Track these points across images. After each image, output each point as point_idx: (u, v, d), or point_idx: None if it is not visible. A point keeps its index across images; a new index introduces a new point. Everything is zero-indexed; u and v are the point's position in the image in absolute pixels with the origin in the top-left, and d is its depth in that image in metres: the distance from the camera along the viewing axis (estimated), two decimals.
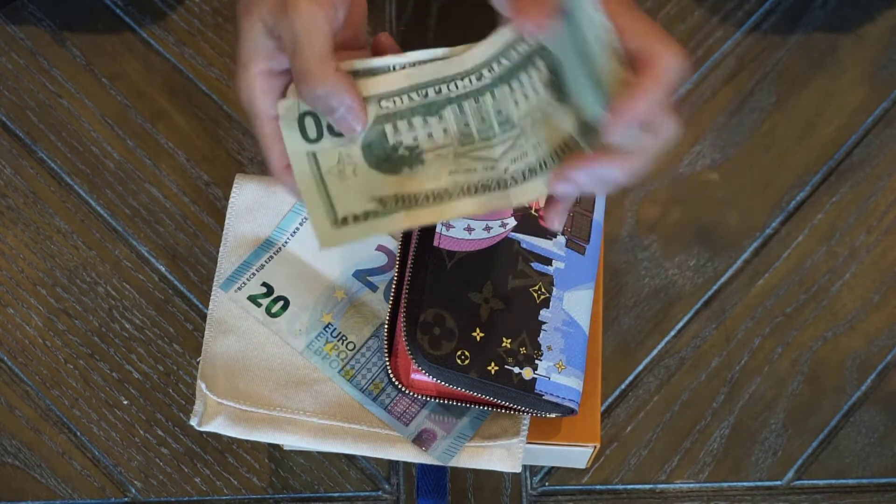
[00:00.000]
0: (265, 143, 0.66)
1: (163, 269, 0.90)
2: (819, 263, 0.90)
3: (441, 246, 0.74)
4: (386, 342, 0.74)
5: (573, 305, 0.74)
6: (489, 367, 0.71)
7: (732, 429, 0.86)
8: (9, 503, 0.84)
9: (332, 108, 0.63)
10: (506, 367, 0.71)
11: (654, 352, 0.88)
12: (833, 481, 0.85)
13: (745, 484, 0.85)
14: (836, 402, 0.87)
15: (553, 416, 0.72)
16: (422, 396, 0.74)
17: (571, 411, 0.72)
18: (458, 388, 0.72)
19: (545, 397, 0.71)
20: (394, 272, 0.76)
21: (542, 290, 0.73)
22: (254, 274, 0.78)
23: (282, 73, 0.65)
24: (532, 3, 0.62)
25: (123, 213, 0.91)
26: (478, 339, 0.72)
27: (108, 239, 0.91)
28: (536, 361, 0.72)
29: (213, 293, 0.78)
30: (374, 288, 0.78)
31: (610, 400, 0.87)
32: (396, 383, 0.74)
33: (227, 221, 0.80)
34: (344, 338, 0.77)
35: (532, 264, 0.74)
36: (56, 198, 0.92)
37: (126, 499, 0.85)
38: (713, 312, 0.89)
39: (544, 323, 0.72)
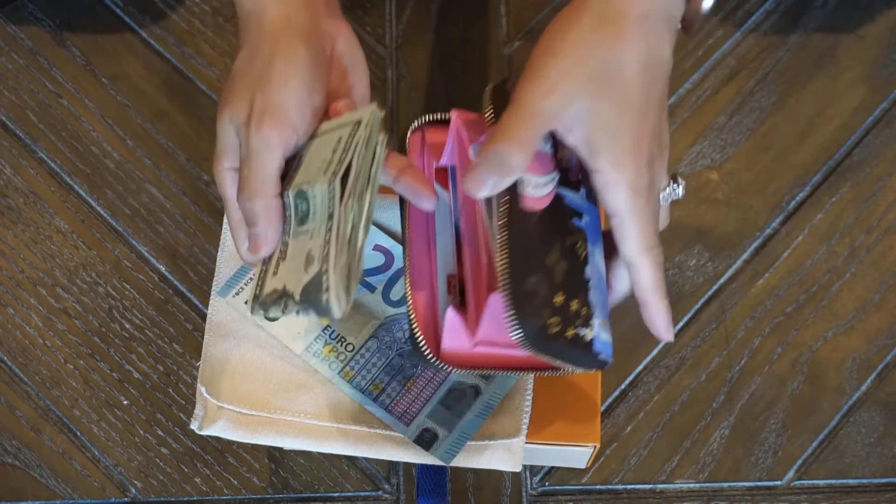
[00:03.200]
0: (232, 226, 0.70)
1: (163, 269, 0.90)
2: (819, 263, 0.90)
3: (525, 206, 0.69)
4: (415, 313, 0.72)
5: (598, 260, 0.72)
6: (567, 333, 0.68)
7: (732, 429, 0.86)
8: (8, 503, 0.85)
9: (253, 222, 0.68)
10: (577, 330, 0.69)
11: (655, 352, 0.88)
12: (833, 481, 0.85)
13: (745, 484, 0.85)
14: (836, 402, 0.87)
15: (580, 370, 0.70)
16: (451, 368, 0.71)
17: (607, 363, 0.71)
18: (535, 355, 0.68)
19: (600, 357, 0.69)
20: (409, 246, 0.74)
21: (582, 246, 0.71)
22: (251, 279, 0.78)
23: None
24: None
25: (123, 213, 0.91)
26: (558, 303, 0.69)
27: (108, 239, 0.91)
28: (592, 321, 0.69)
29: (211, 299, 0.78)
30: (371, 289, 0.78)
31: (610, 400, 0.87)
32: (430, 356, 0.70)
33: (224, 227, 0.80)
34: (343, 339, 0.77)
35: (573, 220, 0.71)
36: (56, 198, 0.92)
37: (126, 499, 0.85)
38: (713, 312, 0.89)
39: (589, 280, 0.70)
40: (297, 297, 0.65)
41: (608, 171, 0.65)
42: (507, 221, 0.67)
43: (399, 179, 0.70)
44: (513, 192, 0.67)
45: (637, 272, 0.67)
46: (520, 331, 0.65)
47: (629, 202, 0.65)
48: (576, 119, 0.65)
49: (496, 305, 0.68)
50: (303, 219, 0.67)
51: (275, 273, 0.67)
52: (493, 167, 0.64)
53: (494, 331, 0.69)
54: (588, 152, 0.65)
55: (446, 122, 0.76)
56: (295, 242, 0.67)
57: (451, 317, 0.69)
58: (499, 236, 0.67)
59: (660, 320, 0.68)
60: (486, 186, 0.65)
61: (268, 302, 0.66)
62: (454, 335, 0.70)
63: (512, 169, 0.64)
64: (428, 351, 0.70)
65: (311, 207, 0.67)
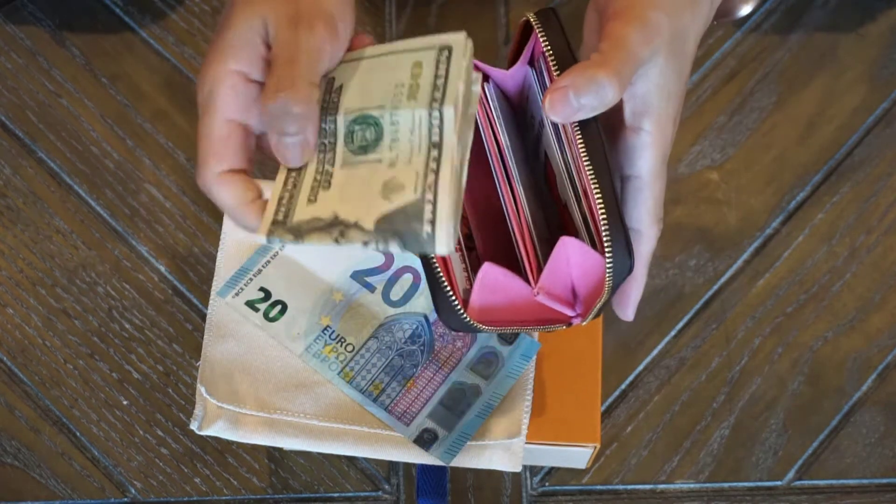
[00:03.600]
0: (208, 143, 0.63)
1: (162, 269, 0.90)
2: (819, 263, 0.90)
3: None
4: (445, 270, 0.68)
5: None
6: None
7: (733, 429, 0.86)
8: (8, 503, 0.84)
9: (288, 128, 0.61)
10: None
11: (655, 352, 0.88)
12: (834, 481, 0.85)
13: (746, 484, 0.85)
14: (836, 403, 0.87)
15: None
16: (484, 327, 0.68)
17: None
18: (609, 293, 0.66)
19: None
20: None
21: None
22: (251, 279, 0.78)
23: (252, 83, 0.63)
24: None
25: (123, 213, 0.91)
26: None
27: (107, 239, 0.91)
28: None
29: (211, 299, 0.78)
30: (371, 289, 0.78)
31: (610, 400, 0.87)
32: (466, 318, 0.67)
33: (224, 227, 0.80)
34: (343, 340, 0.77)
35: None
36: (56, 198, 0.92)
37: (126, 499, 0.85)
38: (713, 312, 0.89)
39: None
40: (370, 227, 0.60)
41: (652, 132, 0.65)
42: (587, 153, 0.65)
43: None
44: (584, 124, 0.65)
45: (641, 241, 0.67)
46: (612, 268, 0.64)
47: (657, 168, 0.66)
48: (646, 73, 0.65)
49: (569, 250, 0.65)
50: (365, 147, 0.62)
51: (312, 200, 0.62)
52: (592, 94, 0.63)
53: (553, 280, 0.66)
54: (640, 108, 0.65)
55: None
56: (350, 171, 0.62)
57: (490, 271, 0.66)
58: (588, 169, 0.64)
59: (635, 296, 0.68)
60: (574, 110, 0.63)
61: (305, 228, 0.61)
62: (494, 289, 0.67)
63: (608, 101, 0.63)
64: (466, 315, 0.67)
65: (386, 134, 0.62)
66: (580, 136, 0.64)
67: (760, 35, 0.96)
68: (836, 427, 0.86)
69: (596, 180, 0.64)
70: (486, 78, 0.71)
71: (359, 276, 0.78)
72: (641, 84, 0.65)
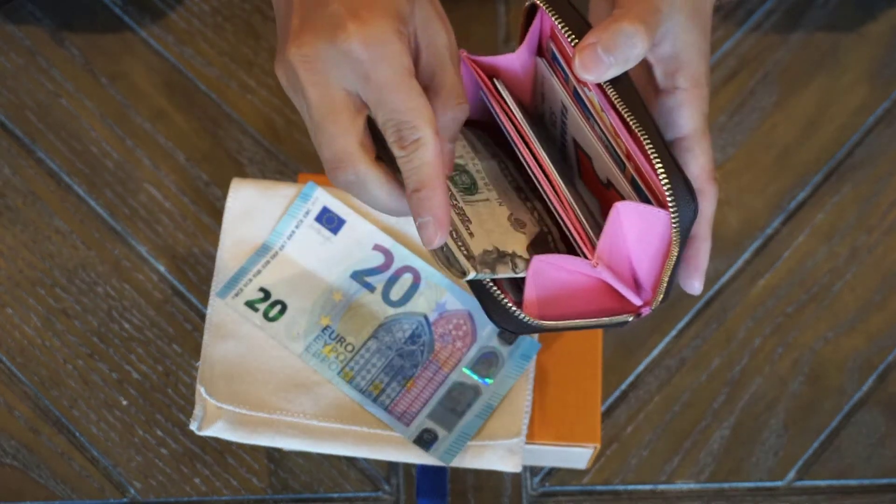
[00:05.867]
0: (412, 98, 0.61)
1: (162, 269, 0.90)
2: (820, 263, 0.90)
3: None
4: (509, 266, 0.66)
5: None
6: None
7: (733, 429, 0.86)
8: (7, 503, 0.85)
9: (422, 215, 0.62)
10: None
11: (655, 352, 0.88)
12: (834, 482, 0.85)
13: (746, 484, 0.85)
14: (837, 403, 0.86)
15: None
16: (534, 323, 0.64)
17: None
18: (676, 245, 0.63)
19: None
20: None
21: None
22: (250, 280, 0.78)
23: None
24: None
25: (122, 213, 0.91)
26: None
27: (107, 239, 0.91)
28: None
29: (210, 300, 0.78)
30: (371, 288, 0.78)
31: (610, 400, 0.87)
32: (524, 318, 0.64)
33: (223, 227, 0.80)
34: (342, 339, 0.77)
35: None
36: (55, 197, 0.92)
37: (125, 499, 0.85)
38: (714, 312, 0.89)
39: None
40: (527, 255, 0.64)
41: (688, 88, 0.64)
42: (626, 107, 0.62)
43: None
44: (619, 81, 0.63)
45: (702, 199, 0.64)
46: (677, 216, 0.61)
47: (700, 124, 0.64)
48: (670, 31, 0.63)
49: (622, 216, 0.62)
50: (469, 188, 0.66)
51: (472, 235, 0.64)
52: (621, 46, 0.61)
53: (612, 250, 0.63)
54: (672, 67, 0.64)
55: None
56: (473, 208, 0.65)
57: (538, 261, 0.63)
58: (633, 122, 0.62)
59: (703, 261, 0.65)
60: (606, 66, 0.61)
61: (489, 261, 0.63)
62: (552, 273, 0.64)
63: (638, 51, 0.61)
64: (506, 301, 0.64)
65: (477, 178, 0.66)
66: (615, 93, 0.62)
67: (761, 35, 0.96)
68: (836, 427, 0.86)
69: (641, 127, 0.61)
70: (495, 74, 0.69)
71: (359, 276, 0.78)
72: (667, 44, 0.64)
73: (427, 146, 0.61)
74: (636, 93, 0.62)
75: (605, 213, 0.66)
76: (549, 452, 0.79)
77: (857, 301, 0.89)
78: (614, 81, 0.62)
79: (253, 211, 0.80)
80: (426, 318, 0.78)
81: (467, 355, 0.77)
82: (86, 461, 0.85)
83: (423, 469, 0.79)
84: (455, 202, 0.65)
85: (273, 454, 0.85)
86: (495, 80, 0.67)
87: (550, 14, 0.64)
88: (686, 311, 0.89)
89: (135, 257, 0.90)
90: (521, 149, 0.66)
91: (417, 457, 0.75)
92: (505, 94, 0.67)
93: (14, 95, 0.95)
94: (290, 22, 0.62)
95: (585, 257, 0.63)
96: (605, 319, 0.65)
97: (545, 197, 0.65)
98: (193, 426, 0.75)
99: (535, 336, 0.77)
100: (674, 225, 0.61)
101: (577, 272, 0.63)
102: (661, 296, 0.64)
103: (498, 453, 0.75)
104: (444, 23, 0.63)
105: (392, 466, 0.85)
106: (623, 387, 0.87)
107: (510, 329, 0.65)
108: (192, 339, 0.88)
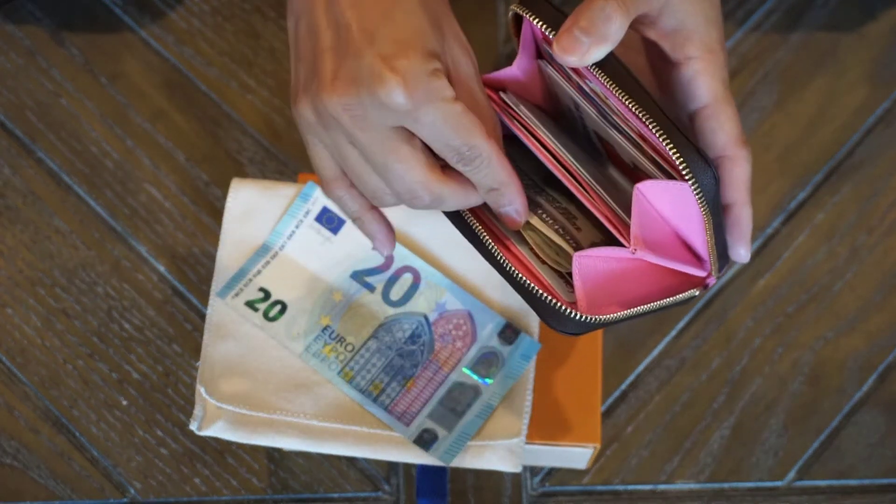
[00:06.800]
0: (465, 122, 0.62)
1: (162, 269, 0.90)
2: (820, 263, 0.90)
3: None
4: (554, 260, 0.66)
5: None
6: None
7: (733, 429, 0.86)
8: (7, 503, 0.85)
9: (504, 202, 0.65)
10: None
11: (655, 352, 0.88)
12: (834, 482, 0.85)
13: (746, 484, 0.85)
14: (837, 403, 0.86)
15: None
16: (591, 320, 0.63)
17: None
18: (708, 215, 0.62)
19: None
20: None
21: None
22: (251, 280, 0.78)
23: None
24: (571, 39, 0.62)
25: (122, 213, 0.91)
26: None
27: (107, 239, 0.91)
28: None
29: (210, 300, 0.78)
30: (371, 288, 0.78)
31: (610, 400, 0.87)
32: (584, 318, 0.63)
33: (223, 227, 0.80)
34: (342, 339, 0.77)
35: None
36: (55, 197, 0.92)
37: (125, 499, 0.85)
38: (714, 312, 0.89)
39: None
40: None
41: (700, 56, 0.63)
42: (617, 86, 0.61)
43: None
44: (607, 62, 0.62)
45: (734, 165, 0.64)
46: (697, 184, 0.60)
47: (720, 91, 0.64)
48: (667, 4, 0.63)
49: (647, 195, 0.61)
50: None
51: (579, 230, 0.67)
52: (596, 24, 0.60)
53: (648, 231, 0.62)
54: (679, 39, 0.64)
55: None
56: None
57: (580, 258, 0.62)
58: (633, 106, 0.61)
59: (745, 227, 0.65)
60: (584, 47, 0.60)
61: None
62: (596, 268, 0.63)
63: (615, 27, 0.60)
64: (560, 305, 0.63)
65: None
66: (602, 75, 0.61)
67: (761, 35, 0.96)
68: (836, 427, 0.86)
69: (638, 106, 0.60)
70: (502, 88, 0.68)
71: (359, 276, 0.78)
72: (667, 17, 0.63)
73: (488, 157, 0.63)
74: (626, 72, 0.61)
75: None
76: (549, 452, 0.79)
77: (857, 301, 0.89)
78: (602, 66, 0.61)
79: (253, 211, 0.80)
80: (426, 318, 0.78)
81: (467, 355, 0.77)
82: (86, 461, 0.85)
83: (424, 469, 0.79)
84: (558, 203, 0.67)
85: (273, 454, 0.85)
86: (501, 93, 0.67)
87: (532, 19, 0.63)
88: (686, 311, 0.89)
89: (135, 257, 0.90)
90: (534, 147, 0.66)
91: (417, 457, 0.75)
92: (511, 101, 0.67)
93: (14, 95, 0.95)
94: (321, 66, 0.62)
95: (622, 244, 0.63)
96: (668, 300, 0.64)
97: (571, 191, 0.65)
98: (193, 426, 0.75)
99: (535, 336, 0.77)
100: (696, 193, 0.60)
101: (622, 259, 0.63)
102: (717, 264, 0.64)
103: (498, 453, 0.75)
104: (467, 51, 0.64)
105: (392, 466, 0.85)
106: (623, 387, 0.87)
107: (572, 332, 0.65)
108: (192, 339, 0.88)
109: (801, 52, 0.96)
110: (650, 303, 0.64)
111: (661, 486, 0.85)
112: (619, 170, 0.69)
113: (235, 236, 0.79)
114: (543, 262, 0.67)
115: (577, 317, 0.63)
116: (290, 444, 0.75)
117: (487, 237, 0.66)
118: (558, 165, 0.65)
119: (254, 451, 0.85)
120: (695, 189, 0.60)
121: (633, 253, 0.62)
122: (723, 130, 0.64)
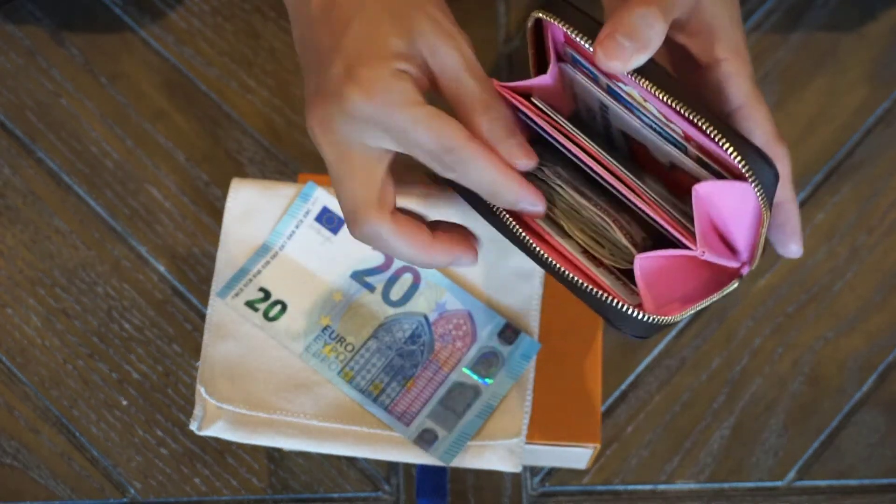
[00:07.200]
0: (433, 125, 0.61)
1: (162, 269, 0.90)
2: (820, 263, 0.90)
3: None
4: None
5: None
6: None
7: (733, 429, 0.86)
8: (7, 503, 0.85)
9: (507, 135, 0.63)
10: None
11: (655, 352, 0.88)
12: (834, 482, 0.85)
13: (746, 484, 0.85)
14: (837, 403, 0.86)
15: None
16: (646, 317, 0.63)
17: None
18: (767, 208, 0.62)
19: None
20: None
21: None
22: (251, 280, 0.78)
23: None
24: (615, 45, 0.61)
25: (122, 213, 0.91)
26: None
27: (107, 239, 0.91)
28: None
29: (210, 300, 0.78)
30: (371, 288, 0.78)
31: (610, 400, 0.87)
32: (653, 319, 0.63)
33: (223, 227, 0.80)
34: (342, 339, 0.77)
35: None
36: (55, 197, 0.92)
37: (125, 499, 0.85)
38: (714, 312, 0.89)
39: None
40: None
41: (729, 58, 0.63)
42: (667, 93, 0.61)
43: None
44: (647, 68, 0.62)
45: (777, 162, 0.64)
46: (759, 182, 0.60)
47: (752, 90, 0.64)
48: (695, 7, 0.63)
49: (704, 196, 0.61)
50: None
51: (626, 229, 0.66)
52: (639, 28, 0.60)
53: (708, 233, 0.62)
54: (707, 41, 0.64)
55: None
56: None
57: (643, 261, 0.62)
58: (682, 107, 0.61)
59: (795, 222, 0.65)
60: (628, 53, 0.59)
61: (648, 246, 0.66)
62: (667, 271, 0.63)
63: (656, 31, 0.60)
64: (633, 310, 0.63)
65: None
66: (648, 83, 0.61)
67: (761, 35, 0.96)
68: (836, 427, 0.86)
69: (690, 110, 0.60)
70: (529, 94, 0.68)
71: (358, 276, 0.78)
72: (696, 20, 0.63)
73: (472, 158, 0.62)
74: (670, 76, 0.61)
75: (675, 194, 0.67)
76: (549, 452, 0.79)
77: (857, 301, 0.89)
78: (644, 72, 0.61)
79: (253, 211, 0.80)
80: (426, 318, 0.78)
81: (467, 355, 0.77)
82: (86, 461, 0.85)
83: (424, 469, 0.79)
84: (600, 203, 0.66)
85: (273, 454, 0.85)
86: (533, 99, 0.67)
87: (559, 24, 0.63)
88: None
89: (135, 257, 0.90)
90: (580, 155, 0.65)
91: (417, 457, 0.75)
92: (545, 107, 0.66)
93: (14, 95, 0.95)
94: (309, 80, 0.64)
95: (682, 245, 0.63)
96: (717, 294, 0.65)
97: (620, 195, 0.65)
98: (193, 426, 0.75)
99: (535, 336, 0.77)
100: (758, 192, 0.60)
101: (679, 258, 0.63)
102: (759, 254, 0.64)
103: (498, 453, 0.75)
104: (453, 40, 0.63)
105: (392, 466, 0.85)
106: (623, 387, 0.87)
107: (638, 334, 0.65)
108: (192, 339, 0.88)
109: (801, 52, 0.96)
110: (702, 298, 0.64)
111: (661, 486, 0.85)
112: (643, 167, 0.69)
113: (235, 236, 0.80)
114: (596, 261, 0.67)
115: (645, 318, 0.63)
116: (290, 444, 0.75)
117: (534, 243, 0.66)
118: (603, 169, 0.65)
119: (254, 451, 0.85)
120: (757, 188, 0.60)
121: (703, 255, 0.62)
122: (762, 130, 0.64)
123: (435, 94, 0.64)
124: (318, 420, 0.75)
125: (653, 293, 0.64)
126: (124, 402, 0.87)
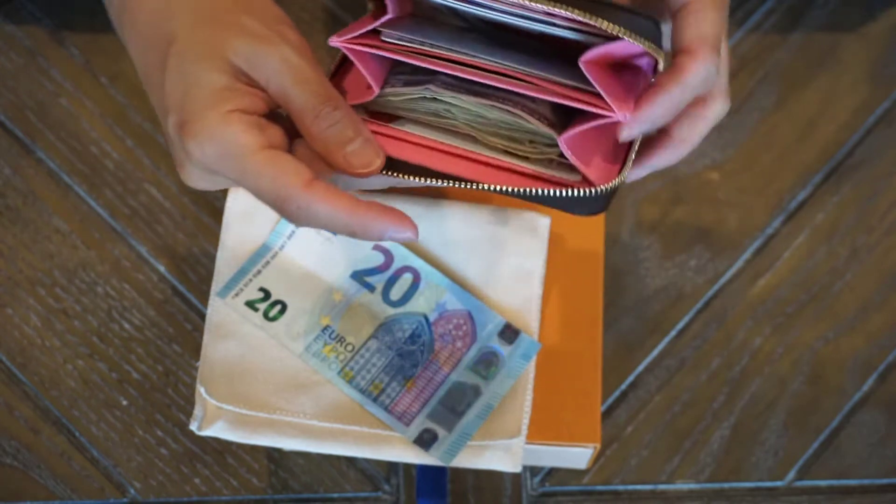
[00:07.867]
0: (266, 174, 0.58)
1: (162, 269, 0.90)
2: (820, 263, 0.90)
3: None
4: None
5: None
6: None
7: (733, 429, 0.86)
8: (7, 503, 0.85)
9: (346, 137, 0.60)
10: None
11: (655, 352, 0.88)
12: (835, 482, 0.85)
13: (747, 484, 0.85)
14: (837, 403, 0.86)
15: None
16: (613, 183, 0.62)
17: None
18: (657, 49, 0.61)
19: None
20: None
21: None
22: (251, 280, 0.78)
23: (256, 114, 0.60)
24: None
25: (122, 213, 0.91)
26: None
27: (107, 239, 0.91)
28: None
29: (210, 300, 0.78)
30: (371, 288, 0.78)
31: (610, 400, 0.87)
32: (587, 192, 0.62)
33: (223, 228, 0.80)
34: (342, 339, 0.77)
35: None
36: (55, 197, 0.92)
37: (125, 499, 0.85)
38: (714, 313, 0.89)
39: None
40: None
41: None
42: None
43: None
44: None
45: (690, 60, 0.61)
46: (641, 38, 0.60)
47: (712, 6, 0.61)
48: None
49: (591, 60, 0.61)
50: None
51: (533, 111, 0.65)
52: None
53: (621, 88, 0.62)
54: None
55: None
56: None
57: (566, 138, 0.62)
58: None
59: (706, 123, 0.65)
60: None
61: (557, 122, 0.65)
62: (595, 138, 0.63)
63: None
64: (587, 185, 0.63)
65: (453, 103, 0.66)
66: None
67: (761, 35, 0.96)
68: (836, 427, 0.86)
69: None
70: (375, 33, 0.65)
71: (358, 276, 0.78)
72: None
73: (312, 204, 0.58)
74: None
75: (551, 51, 0.66)
76: (549, 452, 0.79)
77: (857, 301, 0.89)
78: None
79: (253, 211, 0.80)
80: (426, 318, 0.78)
81: (467, 355, 0.77)
82: (86, 461, 0.85)
83: (424, 469, 0.79)
84: (494, 95, 0.64)
85: (273, 454, 0.85)
86: (383, 38, 0.64)
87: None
88: (686, 311, 0.89)
89: (135, 257, 0.90)
90: (454, 71, 0.63)
91: (417, 457, 0.75)
92: (397, 39, 0.64)
93: (14, 95, 0.95)
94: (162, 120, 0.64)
95: (599, 116, 0.62)
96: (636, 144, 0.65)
97: (516, 90, 0.64)
98: (193, 426, 0.75)
99: (535, 336, 0.77)
100: (637, 41, 0.60)
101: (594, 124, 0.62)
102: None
103: (498, 453, 0.75)
104: (271, 46, 0.60)
105: (392, 466, 0.85)
106: (623, 387, 0.87)
107: (597, 210, 0.63)
108: (192, 338, 0.88)
109: (801, 52, 0.96)
110: (625, 150, 0.64)
111: (661, 486, 0.85)
112: (518, 33, 0.67)
113: (235, 236, 0.79)
114: (527, 158, 0.65)
115: (595, 192, 0.62)
116: (290, 444, 0.75)
117: (464, 175, 0.64)
118: (494, 76, 0.63)
119: (254, 451, 0.85)
120: (633, 39, 0.60)
121: (626, 118, 0.61)
122: (696, 28, 0.61)
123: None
124: (318, 420, 0.75)
125: (591, 166, 0.63)
126: (124, 402, 0.87)
